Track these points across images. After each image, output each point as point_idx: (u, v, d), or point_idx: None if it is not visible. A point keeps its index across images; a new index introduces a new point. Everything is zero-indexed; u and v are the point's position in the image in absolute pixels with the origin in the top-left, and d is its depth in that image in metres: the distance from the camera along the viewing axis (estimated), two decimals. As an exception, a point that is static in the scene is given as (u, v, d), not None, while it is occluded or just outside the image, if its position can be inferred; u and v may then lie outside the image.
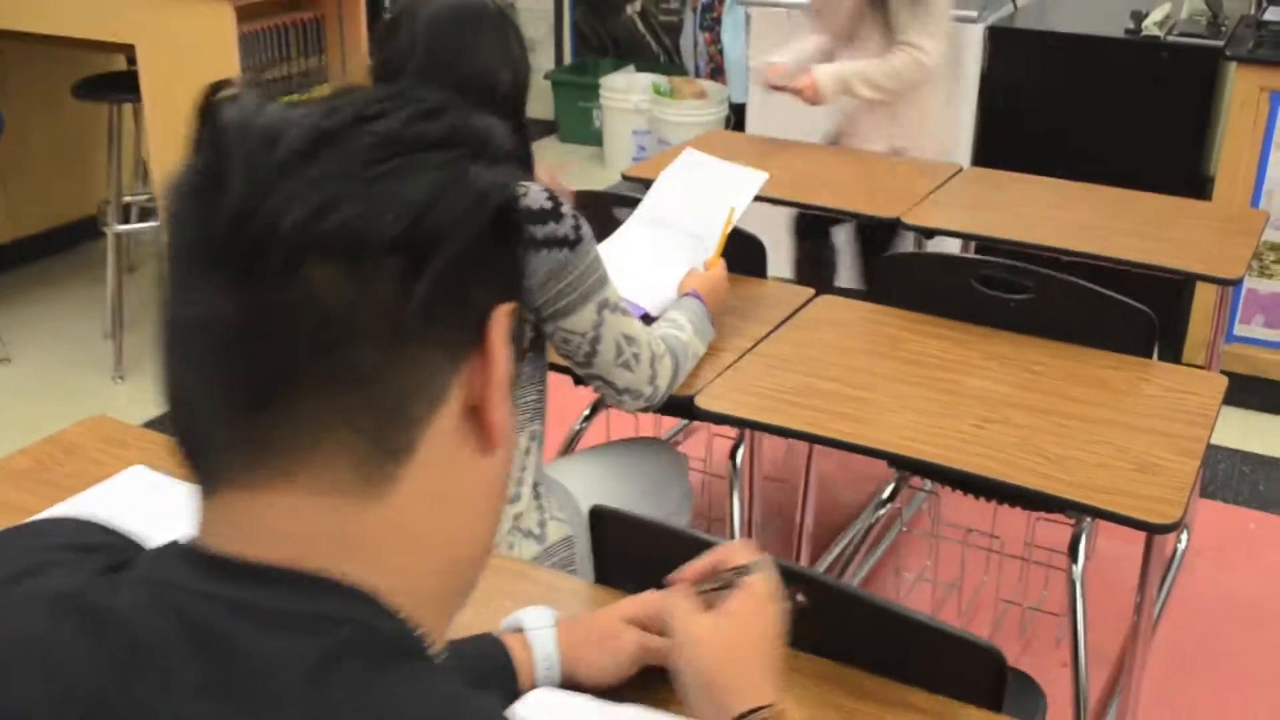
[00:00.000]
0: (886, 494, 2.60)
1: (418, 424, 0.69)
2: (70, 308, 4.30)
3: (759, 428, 1.98)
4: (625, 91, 5.68)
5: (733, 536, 2.39)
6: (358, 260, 0.66)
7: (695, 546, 1.41)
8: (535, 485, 1.92)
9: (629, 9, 6.10)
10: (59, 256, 4.63)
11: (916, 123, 3.31)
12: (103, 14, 3.46)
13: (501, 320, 0.72)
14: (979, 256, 2.27)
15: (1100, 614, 2.78)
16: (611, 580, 1.49)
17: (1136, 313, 2.16)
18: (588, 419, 2.82)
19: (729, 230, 2.29)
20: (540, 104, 6.10)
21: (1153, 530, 1.68)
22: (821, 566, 2.93)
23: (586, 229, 1.79)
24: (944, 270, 2.32)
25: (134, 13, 3.38)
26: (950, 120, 3.51)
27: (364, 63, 3.66)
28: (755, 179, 2.37)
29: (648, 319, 2.10)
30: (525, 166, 1.85)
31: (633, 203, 2.61)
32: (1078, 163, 3.68)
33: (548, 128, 6.20)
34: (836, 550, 3.01)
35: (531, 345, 1.84)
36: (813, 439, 1.92)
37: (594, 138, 5.95)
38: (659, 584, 1.30)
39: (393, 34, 1.82)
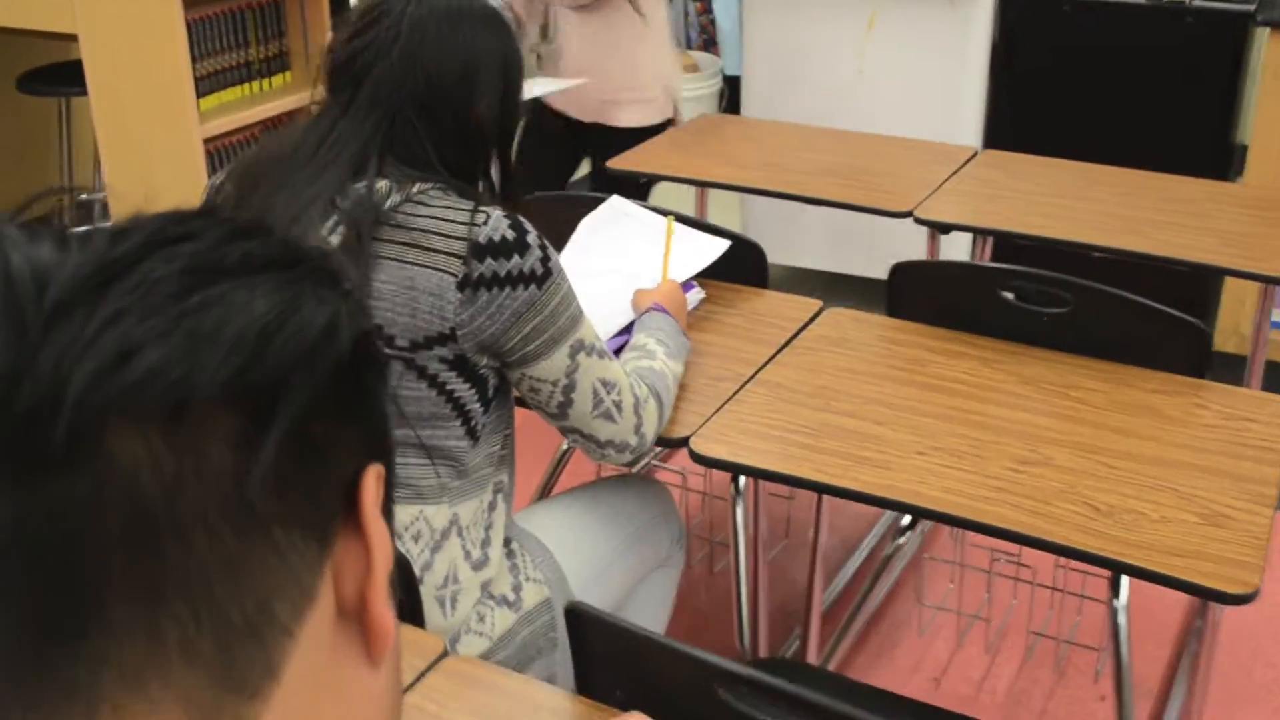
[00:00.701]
0: (906, 520, 2.37)
1: (277, 642, 0.53)
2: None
3: (764, 476, 1.74)
4: (614, 66, 5.41)
5: (738, 560, 2.16)
6: (177, 420, 0.49)
7: (678, 659, 1.18)
8: (507, 542, 1.69)
9: (616, -22, 5.82)
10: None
11: (625, 77, 3.19)
12: (43, 2, 3.19)
13: (373, 486, 0.56)
14: (1008, 266, 2.02)
15: (1135, 637, 2.56)
16: (595, 690, 1.25)
17: (1187, 327, 1.92)
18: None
19: (670, 244, 2.05)
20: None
21: (1230, 602, 1.44)
22: (837, 588, 2.71)
23: (556, 260, 1.54)
24: (968, 280, 2.07)
25: (73, 1, 3.12)
26: (662, 73, 3.27)
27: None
28: (716, 246, 2.14)
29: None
30: (510, 199, 1.61)
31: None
32: (1096, 139, 3.45)
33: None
34: (851, 569, 2.78)
35: (496, 392, 1.59)
36: (827, 490, 1.68)
37: (582, 114, 5.68)
38: (647, 698, 1.07)
39: (371, 24, 1.57)
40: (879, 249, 3.55)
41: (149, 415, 0.48)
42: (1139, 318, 1.94)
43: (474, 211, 1.51)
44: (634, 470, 2.66)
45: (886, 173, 2.81)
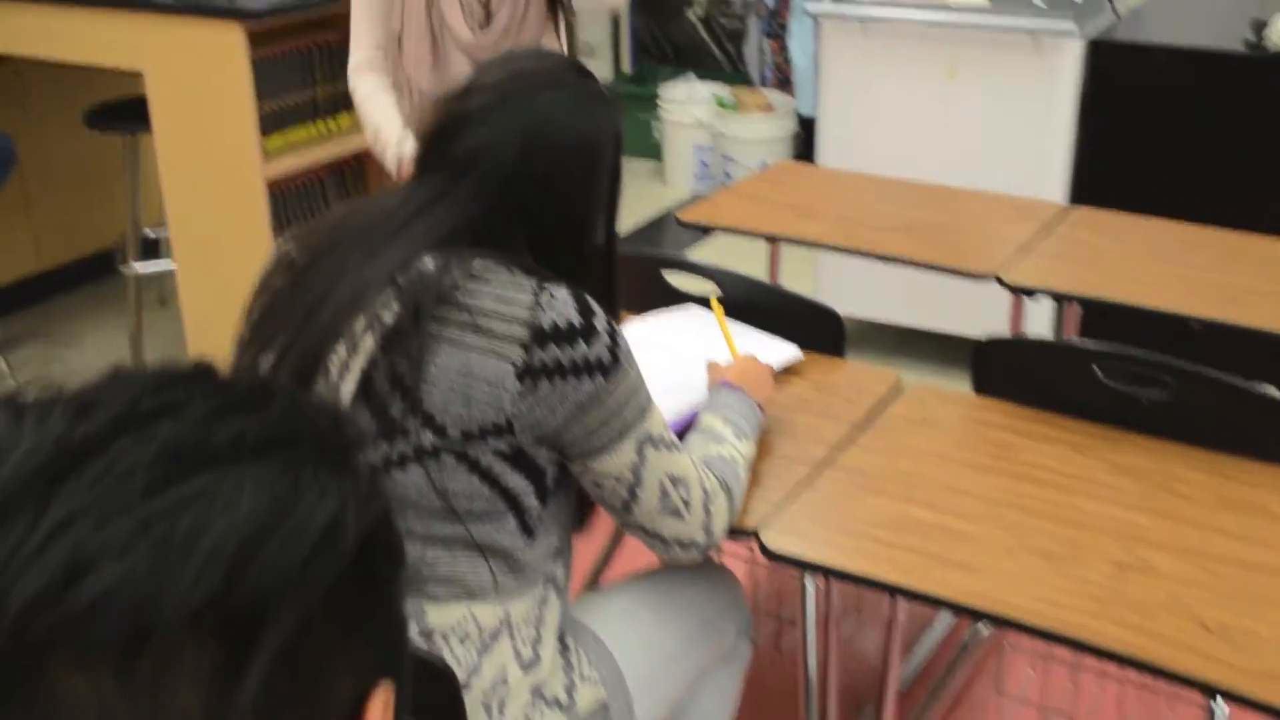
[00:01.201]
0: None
1: None
2: (95, 347, 4.02)
3: (839, 576, 1.62)
4: (685, 103, 5.32)
5: (805, 638, 2.04)
6: (135, 655, 0.41)
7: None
8: (561, 637, 1.57)
9: (690, 14, 5.74)
10: (89, 288, 4.33)
11: None
12: (109, 39, 3.17)
13: (379, 713, 0.48)
14: (1104, 347, 1.89)
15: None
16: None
17: (1300, 417, 1.77)
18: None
19: (725, 324, 1.97)
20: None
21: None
22: (910, 668, 2.57)
23: (625, 346, 1.43)
24: (1059, 358, 1.94)
25: (140, 38, 3.09)
26: None
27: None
28: (786, 351, 2.05)
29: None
30: (610, 303, 1.51)
31: (691, 268, 2.26)
32: (1190, 194, 3.29)
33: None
34: (925, 648, 2.64)
35: (557, 484, 1.48)
36: (908, 594, 1.55)
37: (653, 151, 5.59)
38: None
39: (488, 112, 1.48)
40: (958, 306, 3.42)
41: (100, 651, 0.41)
42: (1246, 405, 1.80)
43: (538, 291, 1.40)
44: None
45: (968, 229, 2.68)
